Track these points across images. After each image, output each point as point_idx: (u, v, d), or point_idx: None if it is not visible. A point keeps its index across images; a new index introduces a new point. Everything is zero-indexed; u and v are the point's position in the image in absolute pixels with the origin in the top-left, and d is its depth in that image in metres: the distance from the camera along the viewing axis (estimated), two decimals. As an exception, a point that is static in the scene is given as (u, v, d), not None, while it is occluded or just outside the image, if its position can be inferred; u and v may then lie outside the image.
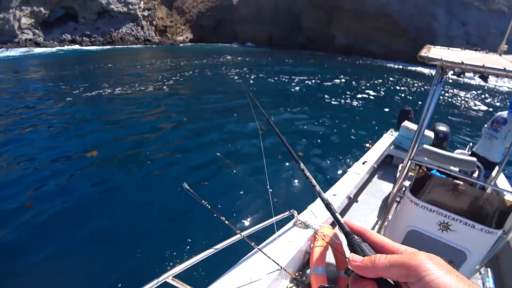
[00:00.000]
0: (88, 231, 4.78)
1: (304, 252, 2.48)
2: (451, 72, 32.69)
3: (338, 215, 0.51)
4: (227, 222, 1.54)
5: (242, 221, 4.89)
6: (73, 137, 8.64)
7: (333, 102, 13.85)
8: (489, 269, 2.98)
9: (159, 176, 6.58)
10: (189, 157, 7.58)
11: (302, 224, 2.52)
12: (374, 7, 41.61)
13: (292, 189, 6.06)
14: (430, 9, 37.30)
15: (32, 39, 36.67)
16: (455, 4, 36.23)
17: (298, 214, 2.55)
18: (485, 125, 4.53)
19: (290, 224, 2.51)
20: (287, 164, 6.94)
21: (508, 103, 4.29)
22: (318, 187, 0.58)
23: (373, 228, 3.56)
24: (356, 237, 0.47)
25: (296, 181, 6.33)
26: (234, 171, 6.11)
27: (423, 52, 2.08)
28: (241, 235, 1.69)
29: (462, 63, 1.87)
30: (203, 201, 1.49)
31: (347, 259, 0.45)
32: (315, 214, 2.78)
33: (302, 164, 0.67)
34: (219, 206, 5.20)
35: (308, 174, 0.62)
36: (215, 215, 1.55)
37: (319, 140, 8.84)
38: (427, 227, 2.38)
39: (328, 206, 0.53)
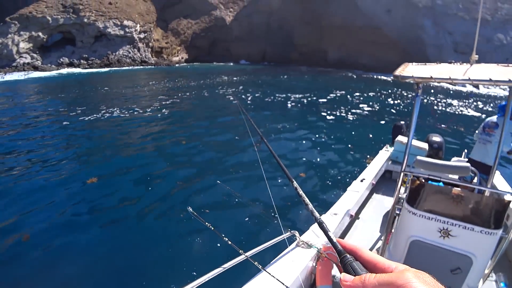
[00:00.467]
0: (90, 261, 4.69)
1: (309, 271, 2.49)
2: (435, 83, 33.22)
3: (330, 234, 0.51)
4: (230, 242, 1.58)
5: (245, 242, 4.86)
6: (74, 163, 8.61)
7: (328, 117, 13.98)
8: (501, 274, 2.94)
9: (161, 201, 6.52)
10: (189, 180, 7.53)
11: (305, 244, 2.51)
12: (363, 22, 42.94)
13: (294, 209, 6.04)
14: (418, 20, 38.56)
15: (30, 63, 37.36)
16: (440, 15, 37.50)
17: (300, 234, 2.59)
18: (476, 131, 4.65)
19: (293, 245, 2.51)
20: (286, 183, 6.93)
21: (498, 108, 4.42)
22: (311, 206, 0.58)
23: (375, 244, 3.57)
24: (348, 256, 0.47)
25: (296, 200, 6.27)
26: (236, 195, 6.09)
27: (397, 72, 2.27)
28: (245, 255, 1.71)
29: (431, 77, 2.06)
30: (206, 223, 1.53)
31: (339, 280, 0.44)
32: (317, 234, 2.78)
33: (295, 182, 0.65)
34: (222, 229, 5.20)
35: (301, 192, 0.61)
36: (220, 236, 1.58)
37: (318, 159, 8.76)
38: (428, 235, 2.39)
39: (320, 224, 0.53)
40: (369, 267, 0.46)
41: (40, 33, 38.37)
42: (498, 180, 4.41)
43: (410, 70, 2.33)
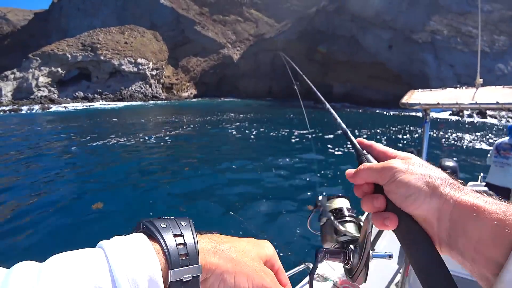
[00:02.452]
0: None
1: None
2: (449, 112, 34.16)
3: (353, 138, 0.55)
4: None
5: None
6: (78, 187, 8.52)
7: (336, 153, 14.02)
8: None
9: None
10: (195, 209, 7.45)
11: (320, 277, 2.43)
12: (366, 57, 45.04)
13: (307, 234, 5.82)
14: (419, 55, 40.48)
15: (47, 96, 38.72)
16: (440, 49, 39.46)
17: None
18: (488, 155, 4.58)
19: (307, 278, 2.39)
20: (294, 212, 6.86)
21: (507, 129, 4.43)
22: (339, 119, 0.63)
23: (394, 278, 3.33)
24: (364, 151, 0.52)
25: (307, 232, 6.30)
26: (249, 226, 5.97)
27: (404, 99, 2.29)
28: None
29: (438, 103, 2.07)
30: None
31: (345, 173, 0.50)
32: (332, 266, 2.67)
33: (327, 103, 0.73)
34: None
35: (332, 110, 0.67)
36: None
37: (324, 193, 8.75)
38: (451, 265, 2.43)
39: (345, 133, 0.59)
40: (380, 157, 0.50)
41: (59, 69, 40.23)
42: None
43: (417, 97, 2.29)
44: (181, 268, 0.35)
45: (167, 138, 16.26)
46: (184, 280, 0.35)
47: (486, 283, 0.33)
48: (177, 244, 0.37)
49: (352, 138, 0.56)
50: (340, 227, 0.52)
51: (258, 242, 0.47)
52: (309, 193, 8.18)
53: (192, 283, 0.36)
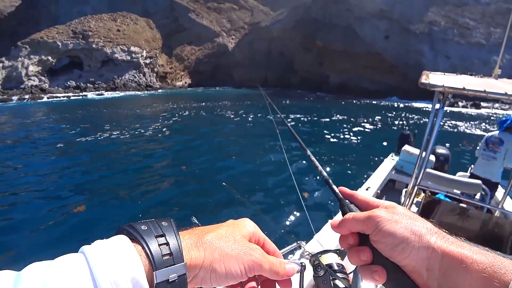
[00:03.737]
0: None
1: (313, 284, 2.44)
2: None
3: (334, 187, 0.55)
4: None
5: None
6: (61, 187, 8.13)
7: (332, 140, 14.03)
8: None
9: (164, 208, 6.35)
10: (194, 184, 7.45)
11: (310, 255, 2.43)
12: (362, 47, 44.72)
13: (301, 217, 5.93)
14: (415, 46, 40.32)
15: (38, 85, 37.76)
16: (437, 41, 39.34)
17: (306, 244, 2.51)
18: (478, 148, 4.65)
19: (298, 255, 2.43)
20: (293, 194, 6.89)
21: (498, 123, 4.44)
22: (320, 167, 0.63)
23: None
24: (346, 200, 0.52)
25: (304, 209, 6.13)
26: (243, 199, 5.94)
27: (424, 79, 2.14)
28: None
29: (464, 88, 1.91)
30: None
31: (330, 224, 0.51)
32: (321, 243, 2.72)
33: (308, 150, 0.71)
34: None
35: (312, 158, 0.66)
36: None
37: (318, 177, 8.81)
38: None
39: (327, 181, 0.58)
40: (363, 207, 0.50)
41: (49, 57, 39.14)
42: (507, 202, 4.23)
43: (438, 78, 2.17)
44: (166, 268, 0.35)
45: (164, 129, 15.99)
46: (170, 280, 0.35)
47: None
48: (159, 245, 0.36)
49: (334, 187, 0.56)
50: (339, 283, 0.50)
51: (238, 222, 0.47)
52: (306, 178, 8.25)
53: (178, 282, 0.36)
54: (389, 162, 5.92)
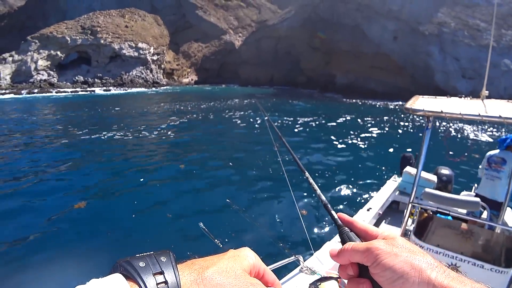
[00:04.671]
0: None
1: None
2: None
3: (333, 213, 0.55)
4: None
5: None
6: (64, 183, 8.18)
7: (339, 146, 13.87)
8: None
9: (174, 219, 6.31)
10: (196, 198, 7.42)
11: (308, 270, 2.47)
12: (370, 48, 44.42)
13: (299, 233, 5.91)
14: (424, 47, 39.92)
15: (46, 79, 38.13)
16: (446, 42, 38.91)
17: (304, 259, 2.56)
18: (480, 167, 4.61)
19: (297, 270, 2.47)
20: (292, 209, 6.87)
21: (498, 142, 4.42)
22: (319, 191, 0.63)
23: None
24: (345, 228, 0.52)
25: (302, 226, 6.34)
26: (242, 215, 5.90)
27: (409, 104, 2.33)
28: None
29: (442, 112, 2.11)
30: (215, 240, 1.58)
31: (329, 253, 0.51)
32: (321, 260, 2.72)
33: (307, 172, 0.71)
34: (227, 243, 5.18)
35: (311, 180, 0.66)
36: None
37: (322, 187, 8.78)
38: None
39: (326, 206, 0.58)
40: (362, 235, 0.50)
41: (58, 52, 39.47)
42: (509, 217, 4.26)
43: (421, 103, 2.32)
44: None
45: (168, 130, 15.98)
46: None
47: None
48: (157, 283, 0.35)
49: (333, 212, 0.56)
50: None
51: (239, 253, 0.47)
52: (305, 193, 8.22)
53: None
54: (392, 183, 6.04)
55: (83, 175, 9.01)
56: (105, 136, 13.81)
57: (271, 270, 2.17)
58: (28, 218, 6.24)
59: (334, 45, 48.34)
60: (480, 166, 4.62)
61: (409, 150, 10.81)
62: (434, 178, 5.08)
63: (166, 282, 0.36)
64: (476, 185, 5.16)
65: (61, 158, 10.57)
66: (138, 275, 0.35)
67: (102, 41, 43.47)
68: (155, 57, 49.21)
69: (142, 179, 8.77)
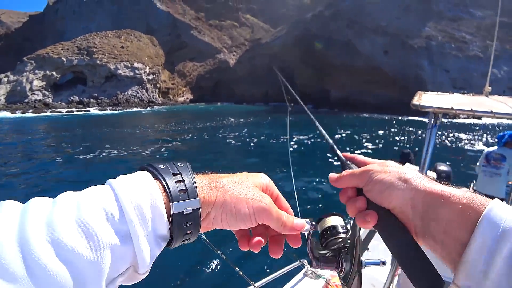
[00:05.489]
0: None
1: None
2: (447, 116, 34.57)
3: (338, 152, 0.60)
4: (241, 272, 1.62)
5: (255, 271, 4.75)
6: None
7: (335, 164, 13.77)
8: None
9: None
10: None
11: (313, 274, 2.50)
12: (362, 62, 45.46)
13: (301, 238, 5.99)
14: (414, 60, 41.01)
15: (41, 99, 38.18)
16: (435, 55, 40.04)
17: (308, 263, 2.51)
18: (477, 164, 4.59)
19: (301, 274, 2.50)
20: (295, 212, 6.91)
21: (497, 138, 4.43)
22: (326, 135, 0.68)
23: (383, 275, 3.34)
24: (348, 162, 0.57)
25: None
26: None
27: (415, 100, 2.29)
28: (254, 286, 1.74)
29: (452, 108, 2.07)
30: (218, 252, 1.60)
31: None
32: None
33: (317, 122, 0.76)
34: (232, 256, 4.99)
35: (321, 128, 0.71)
36: (231, 266, 1.62)
37: (321, 205, 8.65)
38: (445, 271, 2.43)
39: (332, 147, 0.63)
40: (362, 166, 0.53)
41: (54, 72, 39.77)
42: None
43: (428, 99, 2.32)
44: (181, 201, 0.38)
45: (162, 149, 15.74)
46: (185, 213, 0.38)
47: (453, 265, 0.37)
48: (176, 181, 0.39)
49: (338, 151, 0.60)
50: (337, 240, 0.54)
51: (253, 174, 0.50)
52: (308, 206, 8.03)
53: (192, 216, 0.39)
54: None
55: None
56: (100, 155, 13.62)
57: (277, 278, 2.11)
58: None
59: (327, 61, 49.42)
60: (477, 164, 4.56)
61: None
62: (433, 175, 4.94)
63: (183, 180, 0.40)
64: (474, 181, 5.10)
65: (54, 176, 10.40)
66: (159, 173, 0.39)
67: (98, 61, 43.98)
68: (150, 77, 49.74)
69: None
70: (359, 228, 0.48)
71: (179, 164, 0.43)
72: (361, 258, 0.50)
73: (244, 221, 0.43)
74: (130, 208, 0.33)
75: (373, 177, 0.46)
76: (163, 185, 0.38)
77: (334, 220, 0.55)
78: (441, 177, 4.99)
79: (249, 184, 0.46)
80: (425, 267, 0.38)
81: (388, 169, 0.46)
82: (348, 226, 0.54)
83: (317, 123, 0.73)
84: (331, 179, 0.53)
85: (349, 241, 0.52)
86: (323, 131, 0.69)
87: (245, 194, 0.44)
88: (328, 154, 14.78)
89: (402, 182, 0.43)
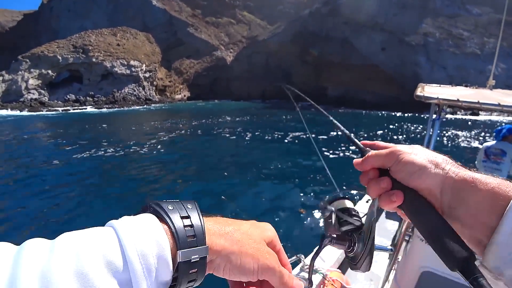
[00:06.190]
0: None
1: None
2: (448, 109, 34.67)
3: (356, 141, 0.59)
4: None
5: None
6: (53, 202, 7.90)
7: (331, 156, 13.74)
8: None
9: None
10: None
11: (309, 269, 2.43)
12: (359, 60, 45.41)
13: (299, 232, 5.91)
14: (412, 57, 41.00)
15: (37, 98, 37.88)
16: (433, 52, 40.06)
17: (305, 258, 2.52)
18: (477, 158, 4.53)
19: (297, 269, 2.44)
20: (291, 206, 6.89)
21: (495, 133, 4.38)
22: (342, 127, 0.67)
23: (380, 270, 3.38)
24: (368, 149, 0.56)
25: (302, 225, 6.18)
26: (240, 215, 5.81)
27: (419, 92, 2.20)
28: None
29: (458, 100, 1.98)
30: None
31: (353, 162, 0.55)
32: (322, 258, 2.68)
33: (330, 116, 0.75)
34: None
35: (335, 121, 0.70)
36: None
37: (313, 194, 8.66)
38: (442, 267, 2.34)
39: (349, 137, 0.62)
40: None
41: (49, 71, 39.42)
42: None
43: (432, 90, 2.24)
44: (189, 249, 0.36)
45: (159, 146, 15.66)
46: (192, 261, 0.36)
47: (480, 247, 0.36)
48: (184, 226, 0.37)
49: (356, 140, 0.60)
50: (344, 215, 0.54)
51: (260, 224, 0.49)
52: (302, 196, 8.05)
53: (199, 263, 0.37)
54: None
55: (72, 195, 8.60)
56: (96, 154, 13.49)
57: None
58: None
59: (324, 58, 49.33)
60: (477, 159, 4.49)
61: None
62: None
63: (192, 225, 0.38)
64: None
65: (52, 177, 10.22)
66: (167, 216, 0.37)
67: (94, 59, 43.63)
68: (147, 74, 49.45)
69: (135, 195, 8.56)
70: (377, 210, 0.48)
71: (188, 205, 0.41)
72: (374, 240, 0.51)
73: (247, 276, 0.42)
74: (134, 257, 0.31)
75: (402, 157, 0.46)
76: (171, 230, 0.36)
77: (349, 204, 0.55)
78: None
79: (256, 237, 0.44)
80: (457, 242, 0.37)
81: (418, 152, 0.46)
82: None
83: (331, 117, 0.74)
84: (356, 163, 0.53)
85: (363, 224, 0.52)
86: (338, 124, 0.70)
87: (252, 248, 0.42)
88: (324, 148, 14.76)
89: (433, 165, 0.43)
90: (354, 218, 0.53)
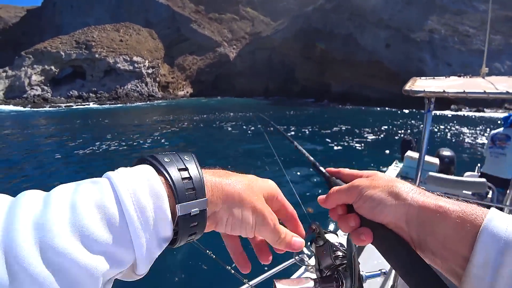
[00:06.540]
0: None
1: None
2: (453, 106, 34.37)
3: (321, 168, 0.57)
4: (233, 271, 1.51)
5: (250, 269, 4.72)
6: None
7: (335, 148, 13.78)
8: None
9: None
10: None
11: (314, 268, 2.40)
12: (363, 56, 45.01)
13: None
14: (417, 54, 40.55)
15: (40, 94, 37.94)
16: (438, 48, 39.59)
17: (309, 258, 2.53)
18: (484, 146, 4.63)
19: (301, 269, 2.42)
20: (296, 208, 6.82)
21: (502, 120, 4.46)
22: (307, 153, 0.64)
23: (381, 272, 3.40)
24: (333, 177, 0.54)
25: (306, 223, 6.18)
26: None
27: (407, 86, 2.20)
28: (248, 284, 1.67)
29: (444, 91, 1.98)
30: (207, 251, 1.49)
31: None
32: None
33: (295, 142, 0.71)
34: (224, 255, 4.95)
35: (300, 147, 0.67)
36: (222, 265, 1.52)
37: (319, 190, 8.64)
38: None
39: (314, 164, 0.60)
40: (349, 180, 0.51)
41: (52, 67, 39.43)
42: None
43: (421, 84, 2.25)
44: (188, 202, 0.35)
45: (162, 140, 15.71)
46: (192, 214, 0.35)
47: (456, 278, 0.36)
48: (182, 178, 0.36)
49: (321, 168, 0.58)
50: (339, 247, 0.53)
51: (261, 179, 0.47)
52: (307, 191, 7.96)
53: (199, 216, 0.36)
54: (393, 169, 5.81)
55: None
56: (100, 149, 13.51)
57: (277, 273, 1.96)
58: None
59: (328, 55, 48.96)
60: (485, 146, 4.61)
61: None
62: (436, 160, 4.94)
63: (190, 177, 0.36)
64: (479, 164, 5.09)
65: (54, 173, 10.26)
66: (164, 168, 0.35)
67: (96, 55, 43.59)
68: (150, 71, 49.36)
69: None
70: (354, 244, 0.47)
71: (185, 157, 0.39)
72: (360, 272, 0.49)
73: (246, 230, 0.42)
74: (132, 210, 0.30)
75: (362, 193, 0.44)
76: (168, 183, 0.35)
77: (331, 238, 0.54)
78: (445, 163, 4.98)
79: (256, 190, 0.43)
80: (430, 278, 0.36)
81: (377, 183, 0.45)
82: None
83: (295, 143, 0.70)
84: (320, 201, 0.51)
85: (345, 258, 0.51)
86: (303, 150, 0.67)
87: (253, 202, 0.41)
88: (327, 139, 14.70)
89: (393, 198, 0.42)
90: (336, 254, 0.53)
